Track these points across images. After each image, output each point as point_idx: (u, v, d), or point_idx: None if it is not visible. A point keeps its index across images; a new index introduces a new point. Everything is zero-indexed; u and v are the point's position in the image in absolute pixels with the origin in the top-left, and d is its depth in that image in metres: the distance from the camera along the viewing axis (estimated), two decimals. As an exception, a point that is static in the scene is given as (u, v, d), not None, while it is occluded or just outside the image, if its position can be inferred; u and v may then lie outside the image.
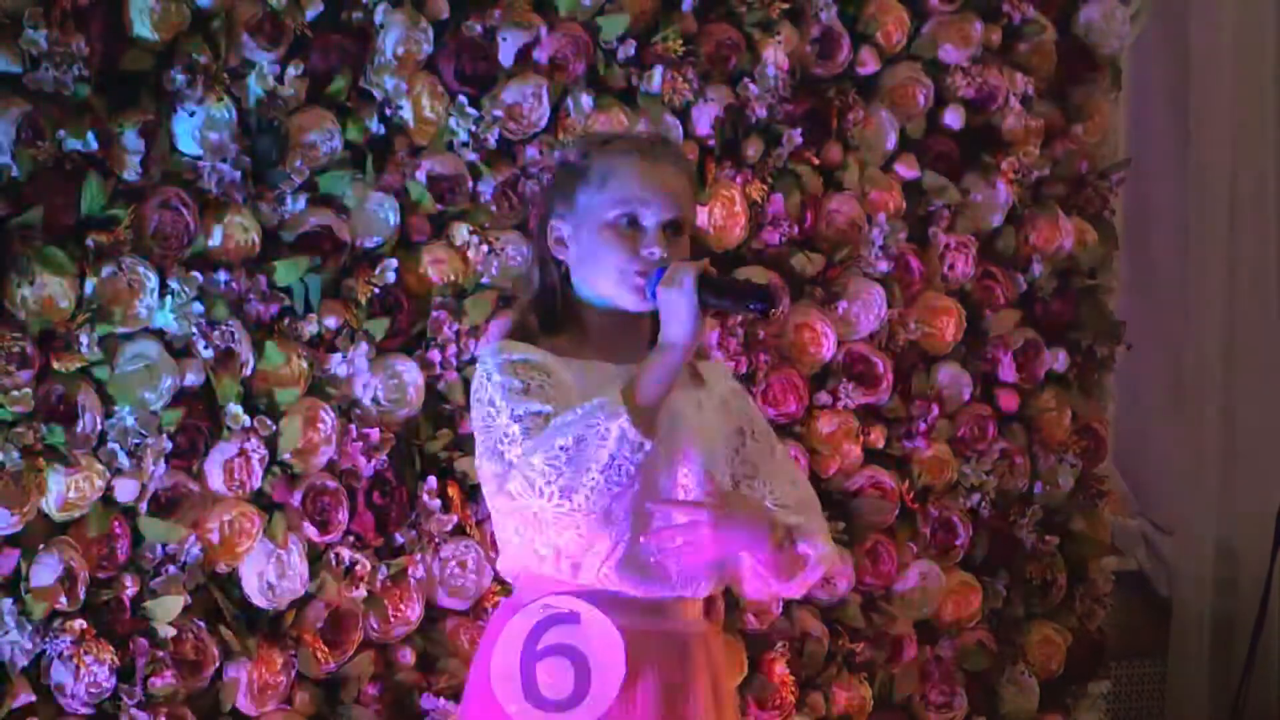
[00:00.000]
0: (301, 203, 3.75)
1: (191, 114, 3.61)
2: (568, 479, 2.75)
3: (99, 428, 3.55)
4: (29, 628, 3.50)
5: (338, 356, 3.78)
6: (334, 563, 3.79)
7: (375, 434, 3.80)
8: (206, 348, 3.64)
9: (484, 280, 3.92)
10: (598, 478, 2.75)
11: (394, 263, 3.83)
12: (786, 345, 4.27)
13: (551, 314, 2.97)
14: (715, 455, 3.00)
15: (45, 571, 3.50)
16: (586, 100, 4.02)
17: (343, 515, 3.78)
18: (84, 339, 3.51)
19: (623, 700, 2.87)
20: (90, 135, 3.52)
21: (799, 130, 4.25)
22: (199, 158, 3.63)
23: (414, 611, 3.87)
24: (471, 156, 3.92)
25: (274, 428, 3.70)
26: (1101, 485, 4.74)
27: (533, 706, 2.85)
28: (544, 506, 2.76)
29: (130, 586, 3.59)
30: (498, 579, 3.90)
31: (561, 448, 2.75)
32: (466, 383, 3.90)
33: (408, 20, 3.83)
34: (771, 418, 4.24)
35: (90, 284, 3.53)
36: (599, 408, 2.77)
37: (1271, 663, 5.00)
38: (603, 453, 2.75)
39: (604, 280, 2.93)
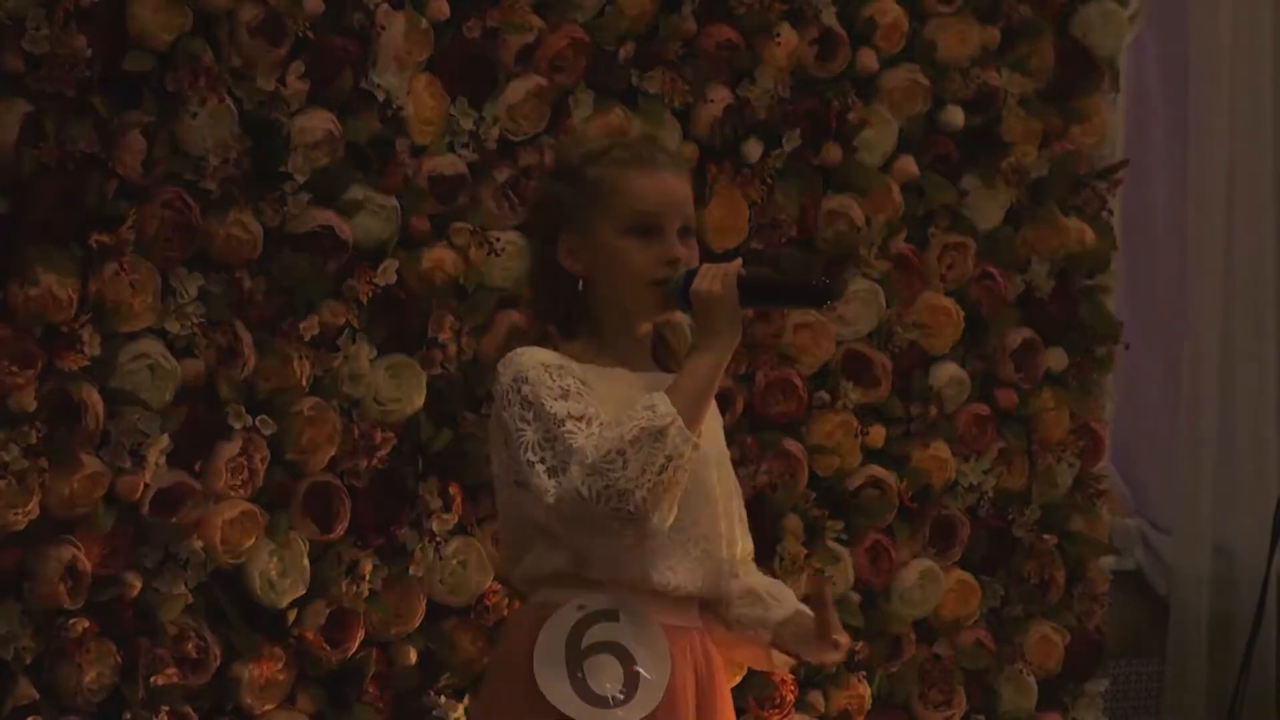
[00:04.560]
0: (302, 203, 3.76)
1: (194, 115, 3.62)
2: (625, 483, 2.73)
3: (101, 427, 3.56)
4: (32, 626, 3.51)
5: (338, 356, 3.79)
6: (335, 562, 3.79)
7: (376, 434, 3.81)
8: (208, 347, 3.65)
9: (484, 280, 3.93)
10: (654, 479, 2.75)
11: (394, 263, 3.83)
12: (786, 345, 4.28)
13: (568, 323, 2.96)
14: (725, 463, 3.02)
15: (48, 570, 3.50)
16: (587, 100, 4.03)
17: (344, 514, 3.79)
18: (86, 338, 3.52)
19: (667, 694, 2.87)
20: (93, 135, 3.53)
21: (799, 130, 4.25)
22: (201, 158, 3.64)
23: (415, 611, 3.88)
24: (472, 156, 3.93)
25: (276, 427, 3.71)
26: (1100, 485, 4.74)
27: (589, 705, 2.83)
28: (600, 511, 2.75)
29: (133, 585, 3.60)
30: (499, 578, 3.90)
31: (617, 451, 2.74)
32: (467, 383, 3.91)
33: (408, 20, 3.84)
34: (771, 418, 4.25)
35: (93, 284, 3.54)
36: (650, 410, 2.77)
37: (1269, 661, 5.01)
38: (659, 454, 2.75)
39: (625, 289, 2.91)
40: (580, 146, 3.07)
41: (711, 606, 3.02)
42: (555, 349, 2.90)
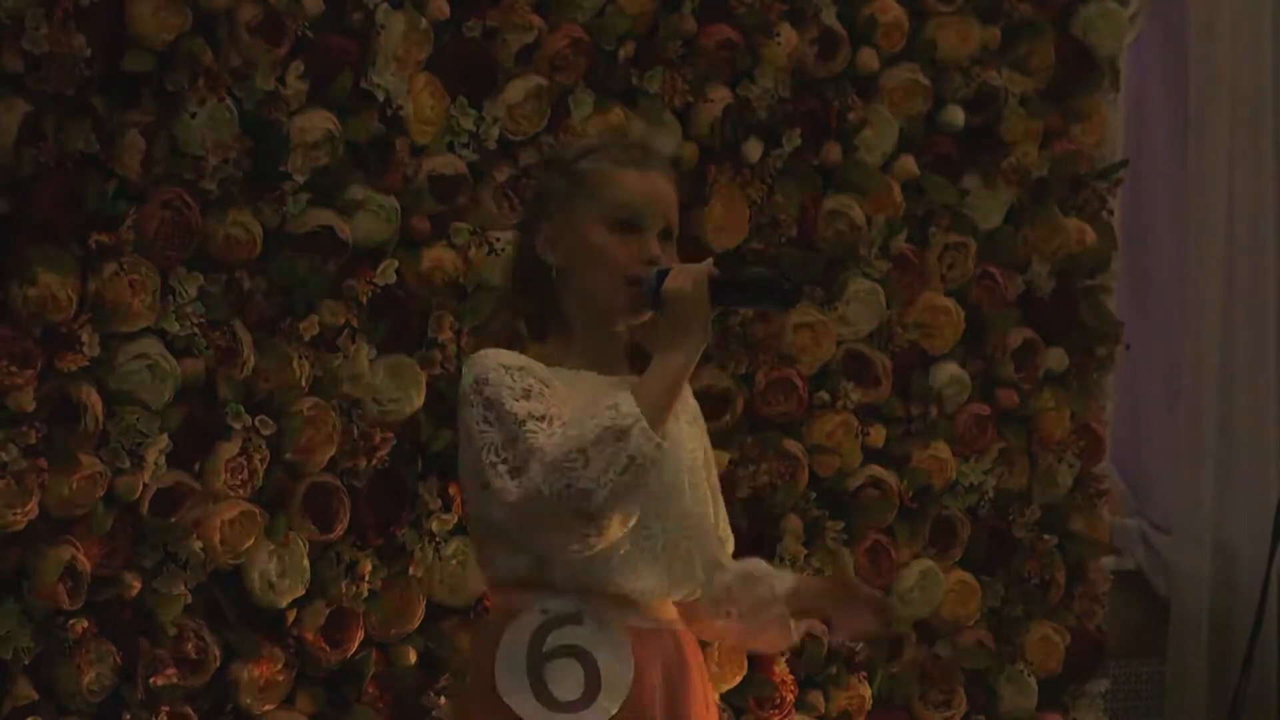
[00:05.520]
0: (302, 203, 3.76)
1: (193, 115, 3.61)
2: (587, 482, 2.72)
3: (100, 427, 3.55)
4: (31, 627, 3.51)
5: (338, 356, 3.79)
6: (335, 562, 3.79)
7: (375, 434, 3.81)
8: (208, 347, 3.65)
9: (484, 280, 3.92)
10: (616, 479, 2.74)
11: (394, 263, 3.83)
12: (786, 345, 4.27)
13: (539, 320, 2.95)
14: (698, 468, 3.00)
15: (47, 571, 3.50)
16: (587, 100, 4.03)
17: (344, 514, 3.78)
18: (85, 338, 3.52)
19: (631, 697, 2.86)
20: (92, 136, 3.52)
21: (799, 130, 4.25)
22: (200, 158, 3.64)
23: (415, 611, 3.87)
24: (471, 156, 3.93)
25: (275, 427, 3.71)
26: (1100, 484, 4.74)
27: (548, 710, 2.83)
28: (560, 510, 2.74)
29: (132, 585, 3.59)
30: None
31: (579, 450, 2.72)
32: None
33: (407, 20, 3.84)
34: (771, 418, 4.25)
35: (92, 284, 3.53)
36: (614, 409, 2.75)
37: (1269, 661, 5.01)
38: (621, 454, 2.73)
39: (599, 287, 2.91)
40: (577, 142, 3.07)
41: (713, 609, 3.02)
42: (523, 350, 2.89)
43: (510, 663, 2.85)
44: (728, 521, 3.10)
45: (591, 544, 2.78)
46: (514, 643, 2.85)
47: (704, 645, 3.09)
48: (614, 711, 2.85)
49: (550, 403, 2.81)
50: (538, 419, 2.78)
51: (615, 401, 2.76)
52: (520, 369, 2.83)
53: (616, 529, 2.78)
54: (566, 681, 2.84)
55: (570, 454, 2.73)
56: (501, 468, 2.78)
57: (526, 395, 2.81)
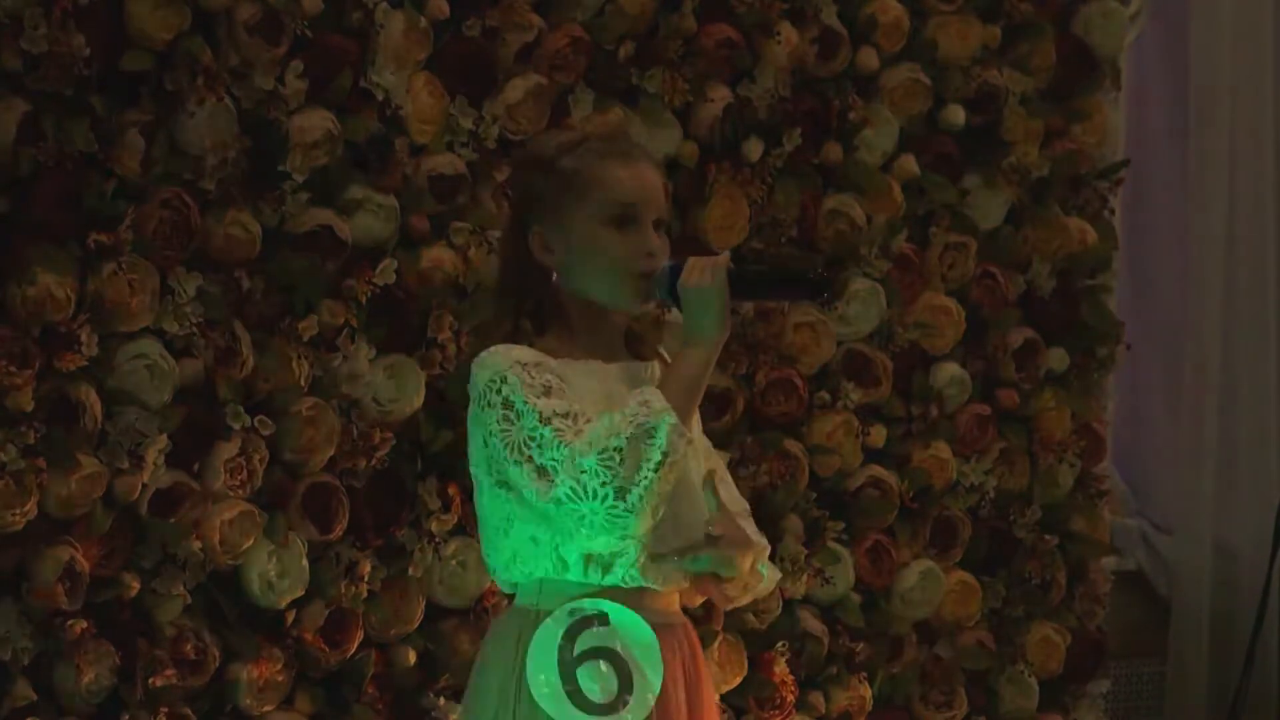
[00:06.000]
0: (301, 202, 3.75)
1: (192, 114, 3.61)
2: (622, 480, 2.71)
3: (99, 427, 3.55)
4: (30, 627, 3.51)
5: (337, 356, 3.78)
6: (334, 562, 3.79)
7: (375, 434, 3.80)
8: (207, 347, 3.64)
9: (483, 280, 3.92)
10: (651, 476, 2.73)
11: (393, 262, 3.83)
12: (786, 345, 4.27)
13: (538, 317, 2.94)
14: (698, 458, 3.00)
15: (46, 571, 3.50)
16: (587, 100, 4.02)
17: (343, 515, 3.78)
18: (84, 338, 3.51)
19: (660, 694, 2.86)
20: (91, 135, 3.52)
21: (799, 129, 4.25)
22: (199, 157, 3.63)
23: (414, 612, 3.87)
24: (471, 156, 3.92)
25: (274, 427, 3.71)
26: (1101, 485, 4.74)
27: (586, 714, 2.81)
28: (596, 509, 2.72)
29: (131, 586, 3.59)
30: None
31: (615, 448, 2.71)
32: (466, 383, 3.90)
33: (407, 19, 3.84)
34: (771, 418, 4.25)
35: (91, 283, 3.53)
36: (645, 406, 2.74)
37: (1270, 662, 5.01)
38: (654, 450, 2.72)
39: (604, 284, 2.88)
40: (553, 138, 3.03)
41: None
42: (530, 345, 2.87)
43: (543, 667, 2.83)
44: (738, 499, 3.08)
45: (622, 541, 2.78)
46: (544, 647, 2.83)
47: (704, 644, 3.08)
48: (648, 712, 2.84)
49: (572, 399, 2.79)
50: (563, 416, 2.76)
51: (645, 399, 2.75)
52: (537, 365, 2.81)
53: (648, 525, 2.77)
54: (599, 684, 2.83)
55: (606, 452, 2.72)
56: (528, 467, 2.77)
57: (547, 392, 2.78)
